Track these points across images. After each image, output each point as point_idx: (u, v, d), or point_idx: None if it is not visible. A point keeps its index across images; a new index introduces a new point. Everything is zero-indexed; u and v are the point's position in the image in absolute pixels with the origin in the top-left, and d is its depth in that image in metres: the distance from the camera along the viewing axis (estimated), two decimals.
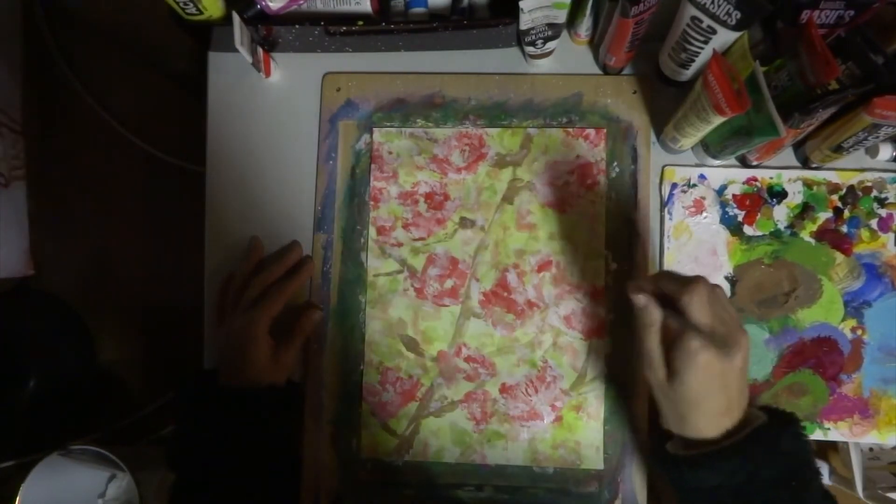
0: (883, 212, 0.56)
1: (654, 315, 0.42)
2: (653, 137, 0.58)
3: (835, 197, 0.57)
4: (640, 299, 0.42)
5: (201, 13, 0.54)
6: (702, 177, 0.57)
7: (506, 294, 0.57)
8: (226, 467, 0.50)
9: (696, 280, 0.40)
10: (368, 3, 0.56)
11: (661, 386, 0.41)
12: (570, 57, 0.59)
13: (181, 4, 0.53)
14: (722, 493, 0.39)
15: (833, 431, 0.56)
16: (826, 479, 1.16)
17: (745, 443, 0.39)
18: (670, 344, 0.41)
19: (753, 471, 0.39)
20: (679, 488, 0.42)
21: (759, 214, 0.57)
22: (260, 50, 0.57)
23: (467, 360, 0.57)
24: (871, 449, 1.07)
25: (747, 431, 0.40)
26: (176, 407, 0.56)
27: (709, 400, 0.40)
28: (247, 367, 0.52)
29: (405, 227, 0.58)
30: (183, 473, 0.51)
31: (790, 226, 0.57)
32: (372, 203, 0.58)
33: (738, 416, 0.41)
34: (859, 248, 0.56)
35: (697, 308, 0.40)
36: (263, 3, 0.55)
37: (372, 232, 0.58)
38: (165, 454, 0.52)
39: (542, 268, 0.57)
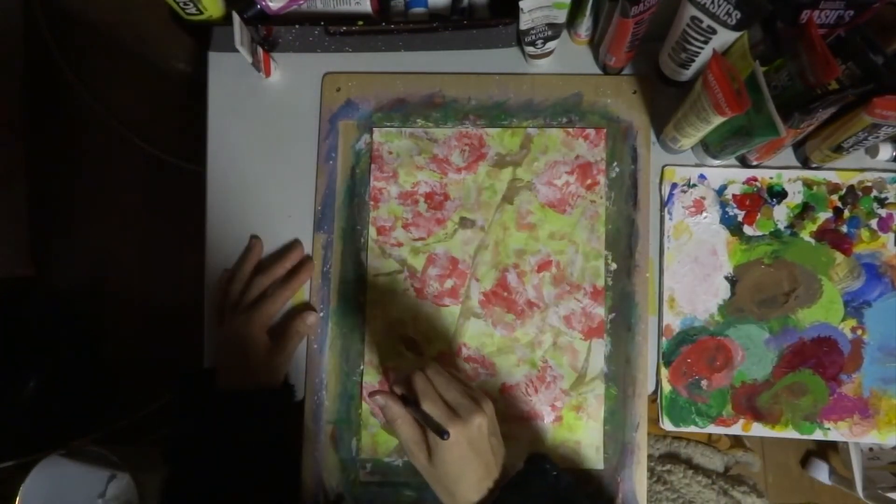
0: (883, 212, 0.56)
1: (395, 410, 0.45)
2: (653, 137, 0.58)
3: (835, 197, 0.57)
4: (379, 400, 0.46)
5: (201, 13, 0.54)
6: (702, 177, 0.57)
7: (506, 294, 0.57)
8: (220, 467, 0.50)
9: (412, 372, 0.45)
10: (368, 3, 0.56)
11: (426, 469, 0.44)
12: (570, 57, 0.59)
13: (181, 4, 0.53)
14: None
15: (833, 431, 0.56)
16: (826, 479, 1.16)
17: (501, 498, 0.42)
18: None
19: None
20: None
21: (759, 214, 0.57)
22: (260, 50, 0.57)
23: (467, 360, 0.57)
24: (871, 449, 1.07)
25: (502, 486, 0.43)
26: (173, 405, 0.56)
27: (466, 470, 0.43)
28: (243, 366, 0.52)
29: (405, 227, 0.58)
30: (177, 472, 0.51)
31: (790, 226, 0.57)
32: (372, 203, 0.58)
33: (496, 475, 0.44)
34: (859, 248, 0.56)
35: (424, 394, 0.44)
36: (263, 3, 0.55)
37: (372, 232, 0.58)
38: (161, 452, 0.52)
39: (542, 268, 0.57)
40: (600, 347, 0.56)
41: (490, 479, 0.43)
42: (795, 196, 0.57)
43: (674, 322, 0.57)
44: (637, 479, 0.55)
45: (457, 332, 0.57)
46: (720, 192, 0.57)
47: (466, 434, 0.42)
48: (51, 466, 0.93)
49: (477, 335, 0.57)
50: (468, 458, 0.42)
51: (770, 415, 0.56)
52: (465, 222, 0.58)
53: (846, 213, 0.57)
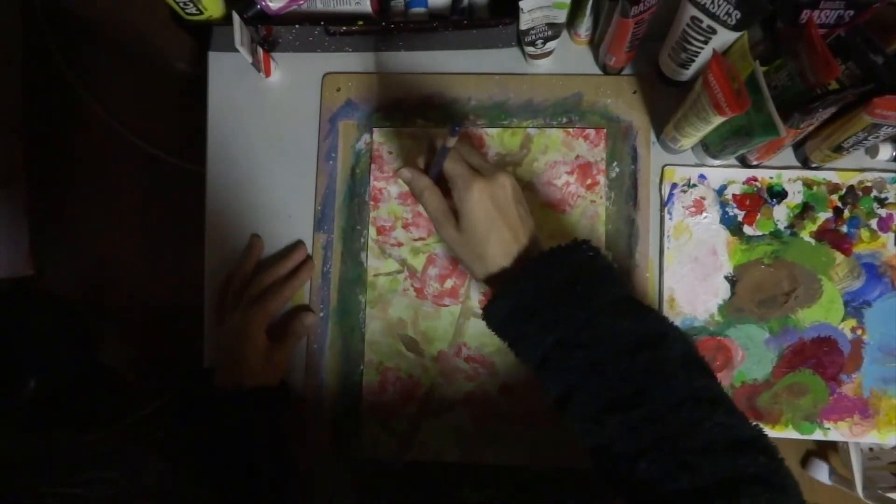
0: (883, 212, 0.56)
1: (421, 181, 0.46)
2: (653, 137, 0.58)
3: (835, 197, 0.57)
4: (404, 173, 0.47)
5: (201, 13, 0.54)
6: (702, 177, 0.57)
7: None
8: (217, 467, 0.50)
9: (434, 140, 0.46)
10: (368, 3, 0.56)
11: (455, 237, 0.44)
12: (570, 57, 0.59)
13: (181, 4, 0.53)
14: (518, 315, 0.42)
15: (833, 431, 0.56)
16: (826, 479, 1.16)
17: (530, 264, 0.42)
18: (451, 198, 0.45)
19: (537, 285, 0.41)
20: (496, 333, 0.45)
21: (759, 214, 0.57)
22: (260, 50, 0.57)
23: (467, 360, 0.57)
24: (871, 449, 1.07)
25: (534, 255, 0.43)
26: (171, 404, 0.56)
27: (492, 230, 0.43)
28: (241, 365, 0.52)
29: (405, 227, 0.58)
30: (175, 471, 0.51)
31: (790, 226, 0.57)
32: (372, 203, 0.58)
33: (525, 242, 0.44)
34: (859, 248, 0.56)
35: (447, 155, 0.44)
36: (263, 3, 0.55)
37: (372, 232, 0.58)
38: (160, 451, 0.52)
39: None
40: None
41: (517, 244, 0.43)
42: (795, 196, 0.57)
43: (674, 322, 0.57)
44: None
45: (457, 332, 0.57)
46: (720, 192, 0.57)
47: (490, 190, 0.42)
48: None
49: (477, 335, 0.57)
50: (493, 216, 0.42)
51: (770, 415, 0.56)
52: None
53: (846, 213, 0.56)
